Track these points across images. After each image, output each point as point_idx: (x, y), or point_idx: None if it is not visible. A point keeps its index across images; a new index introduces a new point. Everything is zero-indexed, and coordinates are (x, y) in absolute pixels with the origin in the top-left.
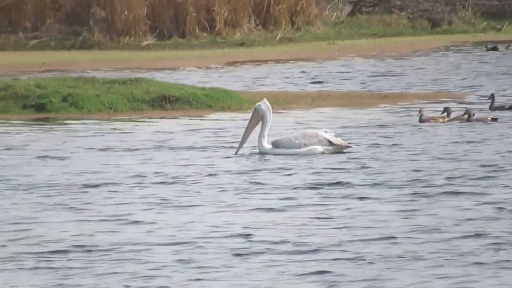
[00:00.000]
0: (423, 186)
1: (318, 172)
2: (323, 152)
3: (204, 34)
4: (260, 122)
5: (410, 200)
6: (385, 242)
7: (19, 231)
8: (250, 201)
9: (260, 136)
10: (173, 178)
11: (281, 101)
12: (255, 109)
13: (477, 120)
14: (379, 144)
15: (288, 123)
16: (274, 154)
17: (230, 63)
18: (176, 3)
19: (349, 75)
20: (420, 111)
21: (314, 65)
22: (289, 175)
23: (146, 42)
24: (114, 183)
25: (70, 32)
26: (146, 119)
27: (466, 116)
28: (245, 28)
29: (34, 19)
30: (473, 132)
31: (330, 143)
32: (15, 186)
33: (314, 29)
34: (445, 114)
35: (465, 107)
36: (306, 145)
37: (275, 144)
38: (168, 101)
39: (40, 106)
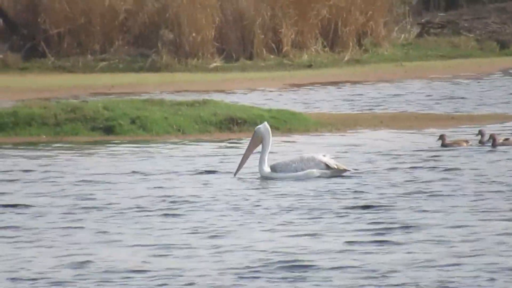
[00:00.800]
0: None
1: (345, 194)
2: (320, 176)
3: (271, 56)
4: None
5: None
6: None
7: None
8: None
9: (260, 159)
10: (224, 202)
11: (349, 123)
12: (254, 132)
13: (503, 144)
14: (433, 166)
15: (355, 144)
16: (273, 178)
17: (297, 85)
18: (243, 25)
19: (417, 96)
20: (442, 135)
21: (382, 86)
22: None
23: (213, 64)
24: (159, 208)
25: (138, 54)
26: (213, 141)
27: (491, 140)
28: (312, 50)
29: (102, 41)
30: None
31: (328, 166)
32: (70, 208)
33: (381, 51)
34: (479, 136)
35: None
36: (303, 169)
37: (273, 168)
38: (235, 123)
39: (109, 128)
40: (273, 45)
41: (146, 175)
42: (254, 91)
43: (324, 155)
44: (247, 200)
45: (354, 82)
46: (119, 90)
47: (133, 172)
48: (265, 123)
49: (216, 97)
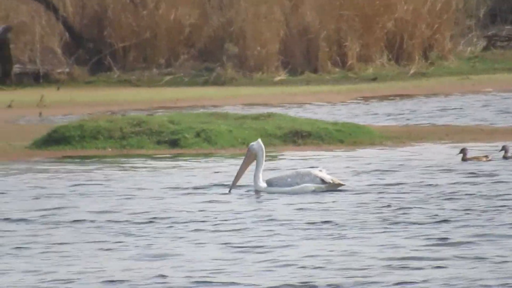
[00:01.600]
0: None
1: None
2: (315, 190)
3: (336, 69)
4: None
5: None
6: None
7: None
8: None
9: (255, 175)
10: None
11: (414, 136)
12: (248, 149)
13: None
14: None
15: (419, 157)
16: (269, 193)
17: (362, 98)
18: (308, 38)
19: (484, 109)
20: (463, 149)
21: (448, 100)
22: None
23: (278, 78)
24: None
25: (203, 68)
26: (277, 154)
27: (503, 152)
28: (378, 63)
29: (168, 55)
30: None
31: (323, 181)
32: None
33: (447, 64)
34: (503, 152)
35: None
36: (298, 184)
37: (269, 183)
38: (300, 136)
39: (174, 141)
40: (338, 58)
41: (205, 188)
42: (319, 104)
43: (320, 170)
44: (294, 215)
45: (420, 95)
46: (184, 103)
47: (194, 185)
48: (259, 140)
49: (281, 110)
